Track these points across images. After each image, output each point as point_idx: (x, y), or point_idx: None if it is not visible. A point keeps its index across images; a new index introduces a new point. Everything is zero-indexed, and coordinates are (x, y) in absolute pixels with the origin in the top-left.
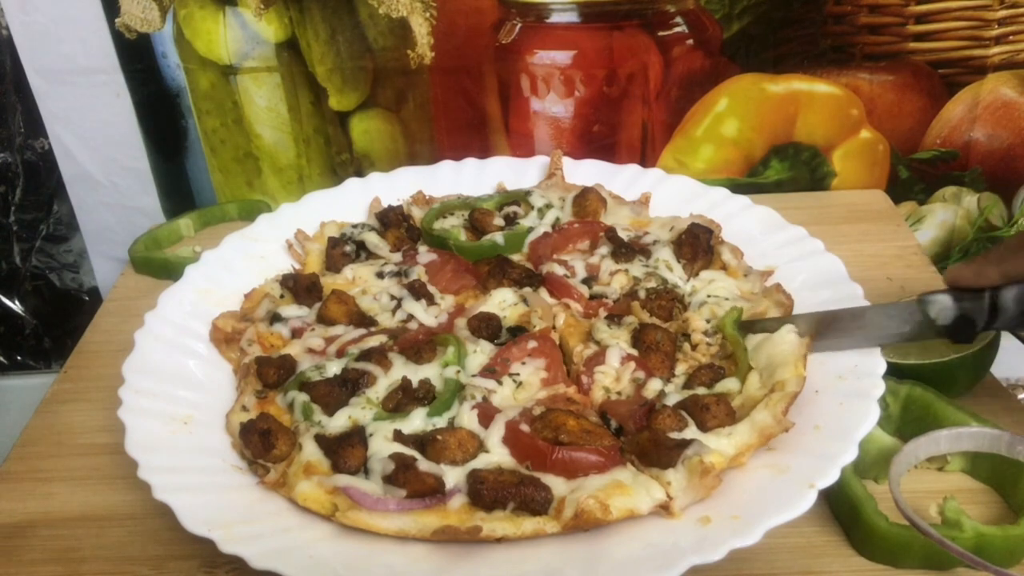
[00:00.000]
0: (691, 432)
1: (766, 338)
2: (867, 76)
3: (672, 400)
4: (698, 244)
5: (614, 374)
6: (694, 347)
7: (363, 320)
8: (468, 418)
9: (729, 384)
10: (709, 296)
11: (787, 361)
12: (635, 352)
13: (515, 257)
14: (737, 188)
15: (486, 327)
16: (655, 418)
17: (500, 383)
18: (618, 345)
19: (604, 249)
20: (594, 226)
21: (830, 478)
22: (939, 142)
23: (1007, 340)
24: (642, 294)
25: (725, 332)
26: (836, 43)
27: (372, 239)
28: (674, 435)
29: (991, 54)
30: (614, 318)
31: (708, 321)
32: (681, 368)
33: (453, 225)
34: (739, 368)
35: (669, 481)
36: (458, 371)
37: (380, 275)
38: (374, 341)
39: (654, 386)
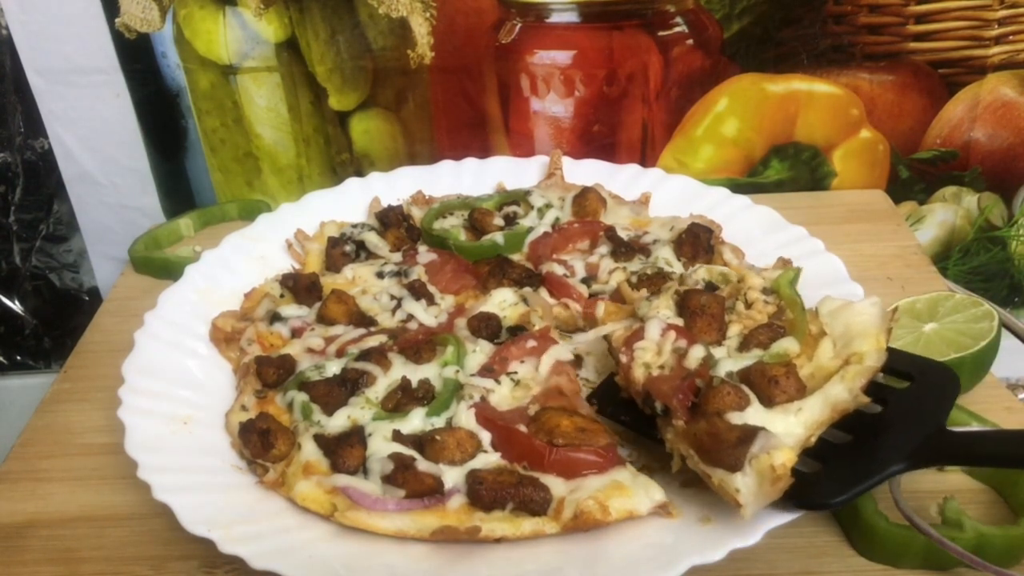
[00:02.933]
0: (754, 411)
1: (845, 305)
2: (867, 76)
3: (726, 367)
4: (698, 243)
5: (654, 348)
6: (749, 305)
7: (363, 320)
8: (465, 418)
9: (786, 344)
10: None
11: (867, 332)
12: (679, 321)
13: (515, 257)
14: (737, 188)
15: (486, 327)
16: (712, 396)
17: (498, 382)
18: (658, 316)
19: (604, 248)
20: (594, 226)
21: None
22: (939, 142)
23: (1008, 340)
24: (634, 279)
25: (781, 292)
26: (836, 43)
27: (372, 239)
28: (734, 415)
29: (991, 54)
30: (656, 291)
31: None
32: (735, 330)
33: (453, 225)
34: (797, 329)
35: (738, 488)
36: (457, 371)
37: (380, 275)
38: (374, 341)
39: (696, 354)
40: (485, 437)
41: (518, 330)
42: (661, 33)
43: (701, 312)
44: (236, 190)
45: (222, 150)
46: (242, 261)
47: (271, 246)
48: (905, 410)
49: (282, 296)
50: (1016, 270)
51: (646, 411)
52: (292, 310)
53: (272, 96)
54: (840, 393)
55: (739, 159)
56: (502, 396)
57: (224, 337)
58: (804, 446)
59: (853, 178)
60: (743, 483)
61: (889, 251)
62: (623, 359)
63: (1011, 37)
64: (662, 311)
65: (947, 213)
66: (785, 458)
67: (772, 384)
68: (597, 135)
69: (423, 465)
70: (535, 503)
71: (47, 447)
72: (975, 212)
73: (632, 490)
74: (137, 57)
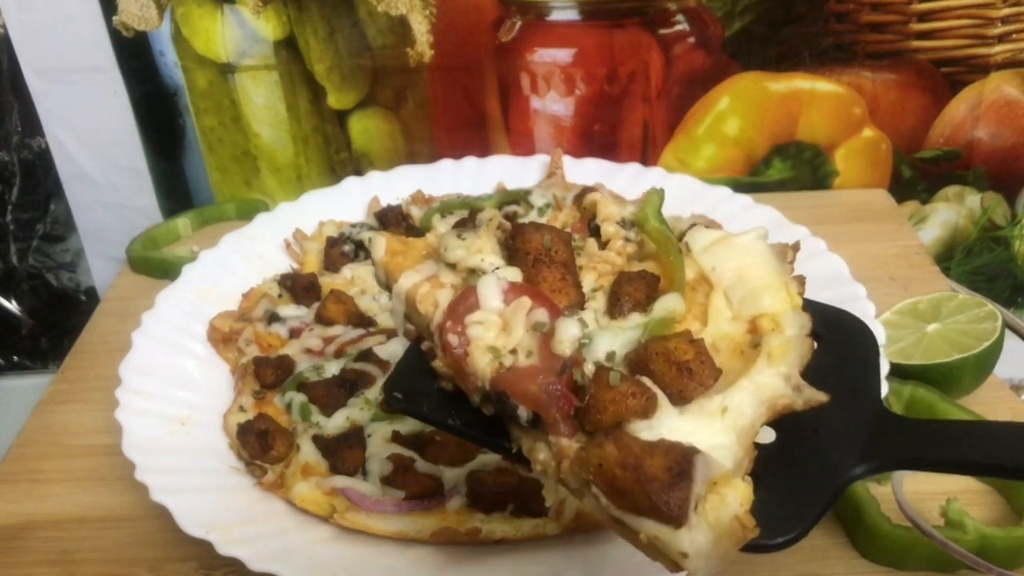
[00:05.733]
0: (666, 416)
1: (722, 240)
2: (869, 75)
3: (603, 346)
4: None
5: (498, 322)
6: (604, 244)
7: (362, 320)
8: None
9: (671, 303)
10: None
11: (770, 283)
12: (518, 275)
13: None
14: (739, 187)
15: None
16: (607, 400)
17: None
18: (487, 265)
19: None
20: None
21: None
22: (942, 141)
23: (1011, 340)
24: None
25: (646, 226)
26: (838, 41)
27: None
28: (638, 426)
29: (994, 52)
30: (465, 222)
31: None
32: (588, 281)
33: None
34: (675, 278)
35: (685, 552)
36: None
37: None
38: (373, 341)
39: (569, 332)
40: None
41: None
42: (662, 31)
43: (547, 259)
44: (234, 189)
45: (220, 149)
46: (240, 261)
47: (269, 246)
48: (829, 385)
49: (280, 296)
50: (1019, 270)
51: (486, 411)
52: (290, 310)
53: (270, 95)
54: (772, 382)
55: (741, 158)
56: None
57: (222, 337)
58: (746, 469)
59: (855, 177)
60: (691, 543)
61: (892, 251)
62: (453, 342)
63: (1014, 35)
64: (487, 258)
65: (950, 213)
66: (742, 497)
67: (684, 375)
68: (598, 134)
69: (423, 466)
70: (536, 504)
71: (44, 448)
72: (978, 212)
73: None
74: (135, 55)
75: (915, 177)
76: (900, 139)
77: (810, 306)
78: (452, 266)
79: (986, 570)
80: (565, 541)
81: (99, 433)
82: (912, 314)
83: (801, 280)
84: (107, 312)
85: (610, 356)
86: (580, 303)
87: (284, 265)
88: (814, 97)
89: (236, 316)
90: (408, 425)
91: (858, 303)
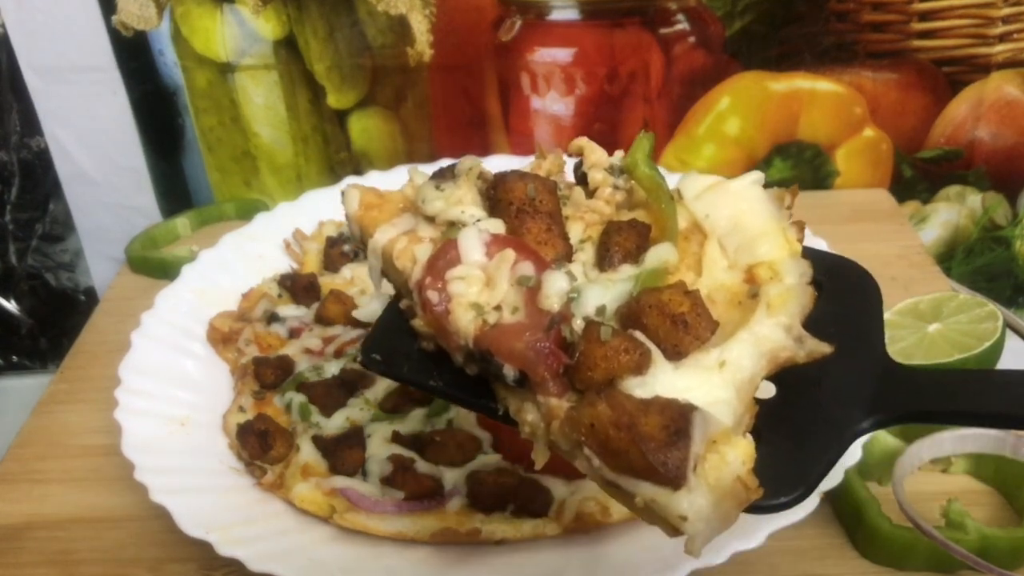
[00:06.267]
0: (661, 372)
1: (717, 185)
2: (870, 74)
3: (593, 301)
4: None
5: (481, 277)
6: (592, 193)
7: (361, 320)
8: (466, 419)
9: (663, 253)
10: None
11: (767, 229)
12: (501, 226)
13: None
14: None
15: None
16: (598, 357)
17: None
18: (467, 218)
19: None
20: None
21: (833, 480)
22: (943, 141)
23: (1012, 340)
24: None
25: (636, 172)
26: (839, 41)
27: None
28: (632, 382)
29: (995, 52)
30: (444, 172)
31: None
32: (576, 232)
33: None
34: (667, 226)
35: (684, 515)
36: None
37: None
38: None
39: (556, 285)
40: (485, 439)
41: None
42: (663, 31)
43: (532, 210)
44: (233, 189)
45: (219, 149)
46: (239, 261)
47: (269, 246)
48: (832, 336)
49: (280, 296)
50: (1020, 270)
51: (469, 371)
52: (290, 310)
53: (270, 94)
54: (773, 334)
55: (741, 158)
56: None
57: (221, 338)
58: (747, 426)
59: (856, 177)
60: (690, 505)
61: (892, 251)
62: (433, 299)
63: (1015, 35)
64: (468, 209)
65: (951, 213)
66: (743, 456)
67: (680, 328)
68: (598, 134)
69: (423, 467)
70: (536, 504)
71: (44, 448)
72: (979, 212)
73: None
74: (134, 55)
75: (916, 177)
76: (901, 139)
77: (809, 253)
78: (431, 219)
79: (987, 571)
80: (565, 541)
81: (98, 433)
82: (913, 314)
83: (800, 225)
84: (106, 312)
85: (600, 310)
86: (567, 255)
87: (284, 265)
88: (815, 97)
89: (236, 316)
90: (408, 425)
91: None
